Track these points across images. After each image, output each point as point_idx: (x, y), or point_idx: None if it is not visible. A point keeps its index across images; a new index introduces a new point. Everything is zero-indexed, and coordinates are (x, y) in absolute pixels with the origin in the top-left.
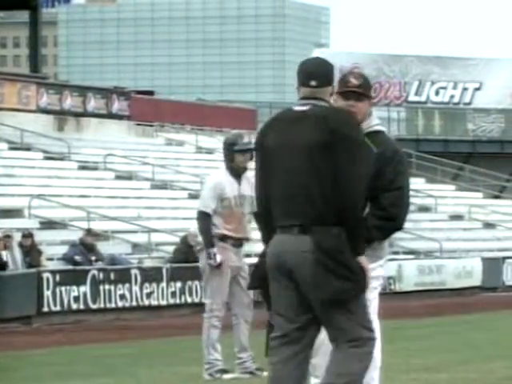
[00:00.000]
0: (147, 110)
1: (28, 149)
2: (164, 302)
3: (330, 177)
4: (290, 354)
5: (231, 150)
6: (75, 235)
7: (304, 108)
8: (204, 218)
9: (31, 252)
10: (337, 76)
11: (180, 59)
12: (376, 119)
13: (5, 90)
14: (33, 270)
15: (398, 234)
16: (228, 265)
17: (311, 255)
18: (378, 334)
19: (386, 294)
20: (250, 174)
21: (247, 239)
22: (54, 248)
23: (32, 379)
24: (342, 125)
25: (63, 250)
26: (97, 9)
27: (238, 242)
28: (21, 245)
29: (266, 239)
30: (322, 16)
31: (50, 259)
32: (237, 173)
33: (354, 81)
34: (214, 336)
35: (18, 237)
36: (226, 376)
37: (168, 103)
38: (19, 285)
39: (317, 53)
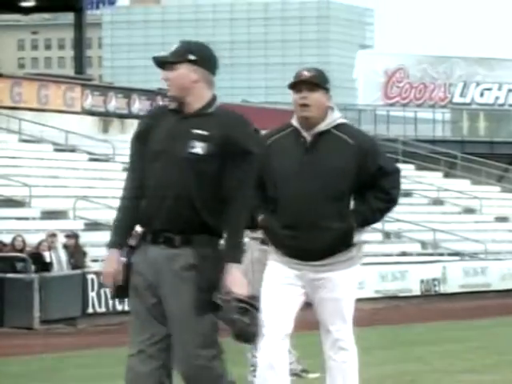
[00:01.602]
0: None
1: (73, 150)
2: None
3: None
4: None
5: None
6: None
7: None
8: None
9: (76, 253)
10: (383, 78)
11: (224, 61)
12: (338, 113)
13: (50, 91)
14: (78, 272)
15: (442, 236)
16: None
17: None
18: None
19: (431, 296)
20: None
21: None
22: (98, 249)
23: (76, 381)
24: None
25: None
26: (141, 10)
27: None
28: (65, 246)
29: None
30: (366, 17)
31: (95, 260)
32: None
33: (305, 73)
34: None
35: (62, 238)
36: None
37: None
38: (64, 286)
39: (361, 54)
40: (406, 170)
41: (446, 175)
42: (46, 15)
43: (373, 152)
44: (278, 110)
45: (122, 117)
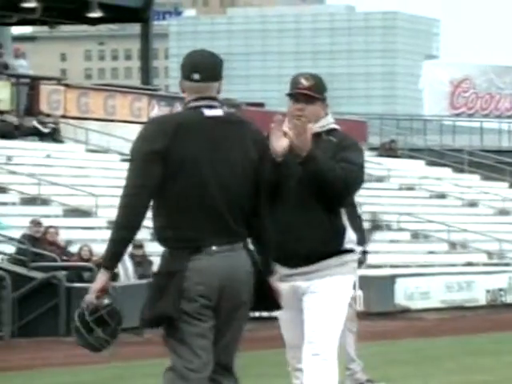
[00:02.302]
0: (258, 121)
1: None
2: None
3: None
4: None
5: None
6: None
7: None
8: None
9: (143, 263)
10: (449, 88)
11: (290, 71)
12: (332, 118)
13: (116, 101)
14: (144, 281)
15: (508, 246)
16: None
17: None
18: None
19: (497, 307)
20: None
21: None
22: None
23: None
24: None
25: None
26: (208, 21)
27: None
28: (132, 256)
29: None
30: (432, 28)
31: None
32: None
33: (304, 82)
34: None
35: (129, 248)
36: None
37: (279, 115)
38: (131, 296)
39: (427, 64)
40: (472, 180)
41: None
42: (112, 26)
43: (351, 148)
44: (342, 120)
45: None
